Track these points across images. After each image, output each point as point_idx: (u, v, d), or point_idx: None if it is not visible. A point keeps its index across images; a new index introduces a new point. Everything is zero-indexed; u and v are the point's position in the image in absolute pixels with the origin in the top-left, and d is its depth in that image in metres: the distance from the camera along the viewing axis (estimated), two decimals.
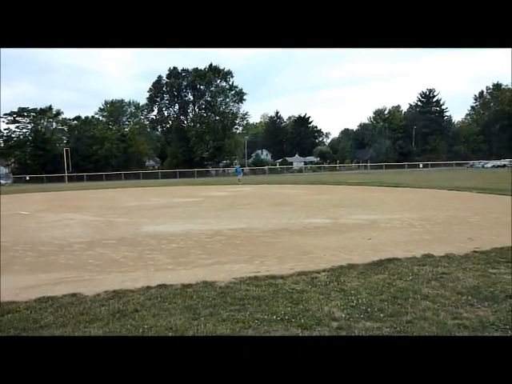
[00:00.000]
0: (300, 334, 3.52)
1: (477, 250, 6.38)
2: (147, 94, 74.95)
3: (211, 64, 72.88)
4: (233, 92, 73.53)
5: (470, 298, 4.24)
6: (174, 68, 73.36)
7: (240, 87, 73.86)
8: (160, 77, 74.02)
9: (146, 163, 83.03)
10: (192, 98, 75.01)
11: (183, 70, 73.61)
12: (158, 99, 75.30)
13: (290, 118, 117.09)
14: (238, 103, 74.38)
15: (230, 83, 73.56)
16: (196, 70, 72.59)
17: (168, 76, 73.24)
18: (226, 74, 73.23)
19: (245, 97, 74.14)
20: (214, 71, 72.24)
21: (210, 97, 73.21)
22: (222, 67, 73.06)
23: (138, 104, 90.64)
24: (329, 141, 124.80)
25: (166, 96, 75.08)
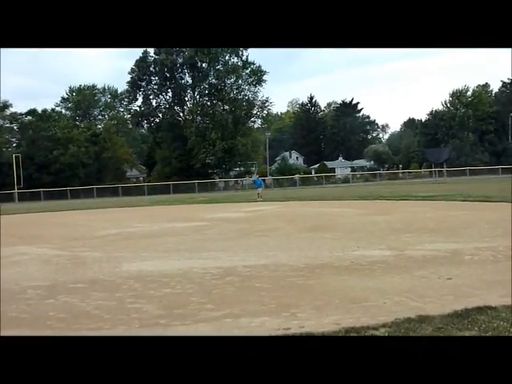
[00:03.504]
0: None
1: None
2: (128, 77, 76.60)
3: None
4: (248, 71, 74.35)
5: None
6: None
7: (258, 63, 74.65)
8: (146, 52, 75.46)
9: (128, 173, 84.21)
10: (191, 81, 76.21)
11: None
12: (144, 83, 76.80)
13: (329, 104, 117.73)
14: (255, 86, 75.18)
15: (244, 58, 74.50)
16: None
17: (157, 51, 74.57)
18: None
19: (265, 77, 74.95)
20: None
21: (216, 78, 74.16)
22: None
23: (116, 91, 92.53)
24: (386, 137, 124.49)
25: (155, 79, 76.51)
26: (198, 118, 74.01)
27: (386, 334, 4.89)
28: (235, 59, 74.65)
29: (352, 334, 5.10)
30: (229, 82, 74.42)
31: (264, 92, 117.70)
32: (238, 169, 78.16)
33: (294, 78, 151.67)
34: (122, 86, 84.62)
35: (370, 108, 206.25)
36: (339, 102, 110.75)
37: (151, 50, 75.28)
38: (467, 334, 4.96)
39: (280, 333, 5.37)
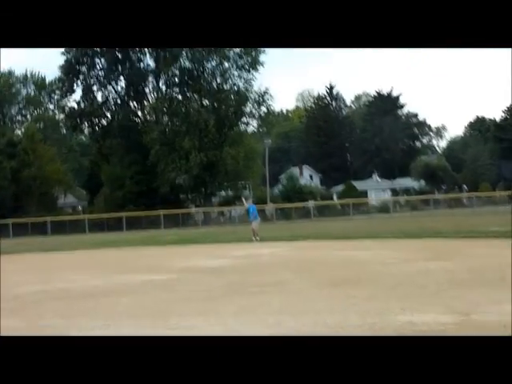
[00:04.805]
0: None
1: None
2: (62, 59, 76.85)
3: None
4: (237, 49, 74.82)
5: None
6: None
7: None
8: None
9: (60, 201, 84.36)
10: (153, 65, 77.01)
11: None
12: (84, 68, 77.30)
13: (358, 98, 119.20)
14: (248, 71, 75.74)
15: None
16: None
17: None
18: None
19: (263, 57, 75.49)
20: None
21: (191, 60, 74.65)
22: None
23: (44, 79, 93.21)
24: (443, 145, 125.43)
25: (101, 61, 77.16)
26: (165, 118, 74.35)
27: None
28: None
29: None
30: (210, 65, 75.00)
31: (262, 80, 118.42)
32: (223, 193, 78.30)
33: (305, 58, 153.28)
34: (52, 71, 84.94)
35: (417, 103, 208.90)
36: (373, 93, 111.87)
37: None
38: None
39: (280, 333, 7.00)
